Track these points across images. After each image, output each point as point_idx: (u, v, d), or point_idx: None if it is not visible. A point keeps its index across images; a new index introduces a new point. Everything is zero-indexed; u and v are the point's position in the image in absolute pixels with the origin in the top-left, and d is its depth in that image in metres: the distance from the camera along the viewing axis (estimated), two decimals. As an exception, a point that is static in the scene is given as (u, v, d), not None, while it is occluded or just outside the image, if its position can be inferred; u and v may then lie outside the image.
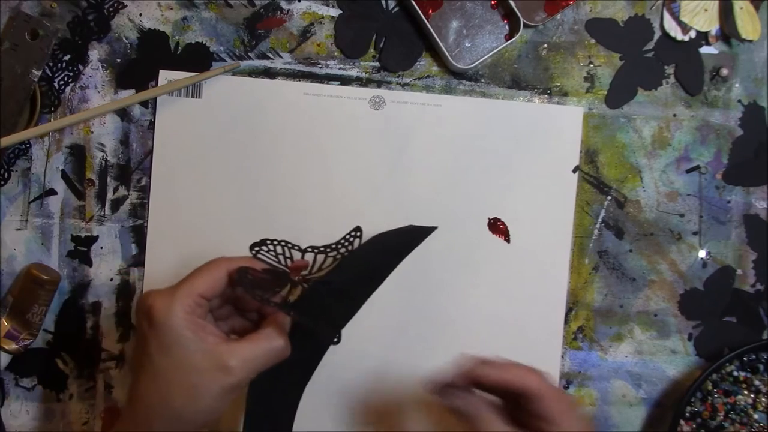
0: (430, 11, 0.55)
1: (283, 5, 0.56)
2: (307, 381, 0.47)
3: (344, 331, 0.56)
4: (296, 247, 0.43)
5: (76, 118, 0.53)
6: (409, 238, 0.48)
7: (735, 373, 0.56)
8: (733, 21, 0.56)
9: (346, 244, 0.44)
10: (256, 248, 0.42)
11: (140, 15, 0.55)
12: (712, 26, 0.57)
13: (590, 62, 0.58)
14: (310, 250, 0.43)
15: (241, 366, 0.39)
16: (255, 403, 0.43)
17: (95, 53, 0.55)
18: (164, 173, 0.56)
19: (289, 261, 0.43)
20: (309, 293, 0.43)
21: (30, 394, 0.56)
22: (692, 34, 0.57)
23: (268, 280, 0.42)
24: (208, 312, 0.41)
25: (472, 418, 0.41)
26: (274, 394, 0.45)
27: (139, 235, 0.56)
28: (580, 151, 0.57)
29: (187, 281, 0.40)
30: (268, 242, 0.42)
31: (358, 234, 0.45)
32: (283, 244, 0.43)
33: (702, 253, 0.59)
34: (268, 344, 0.40)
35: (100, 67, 0.55)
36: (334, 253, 0.44)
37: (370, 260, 0.45)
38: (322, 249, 0.44)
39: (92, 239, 0.56)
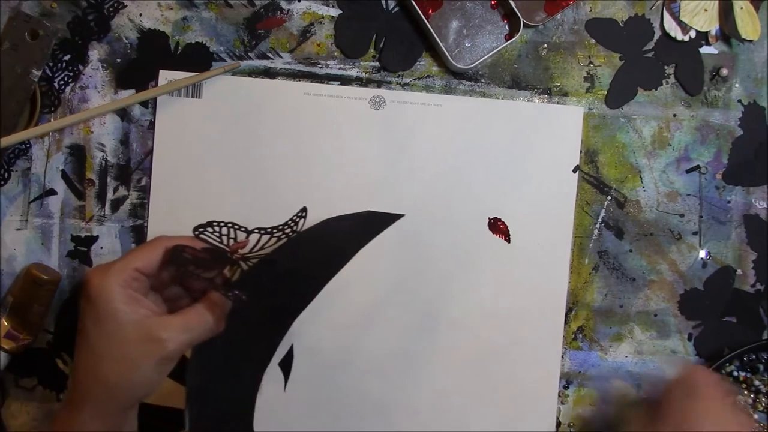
0: (430, 11, 0.55)
1: (283, 5, 0.56)
2: (263, 362, 0.47)
3: (342, 331, 0.56)
4: (242, 228, 0.43)
5: (76, 118, 0.53)
6: (369, 224, 0.48)
7: (735, 373, 0.56)
8: (733, 21, 0.56)
9: (292, 224, 0.45)
10: (200, 229, 0.42)
11: (140, 15, 0.55)
12: (712, 26, 0.57)
13: (590, 62, 0.58)
14: (255, 230, 0.44)
15: (172, 338, 0.40)
16: (201, 383, 0.44)
17: (95, 53, 0.55)
18: (164, 173, 0.56)
19: (232, 241, 0.43)
20: (250, 273, 0.43)
21: (30, 394, 0.56)
22: (692, 34, 0.57)
23: (205, 258, 0.42)
24: (147, 289, 0.42)
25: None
26: (223, 375, 0.45)
27: (139, 235, 0.56)
28: (580, 151, 0.57)
29: (124, 257, 0.41)
30: (214, 224, 0.42)
31: (303, 215, 0.45)
32: (229, 225, 0.43)
33: (702, 253, 0.59)
34: (200, 318, 0.41)
35: (100, 67, 0.55)
36: (279, 233, 0.44)
37: (322, 244, 0.46)
38: (267, 230, 0.44)
39: (92, 239, 0.56)
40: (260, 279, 0.43)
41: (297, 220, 0.45)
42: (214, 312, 0.42)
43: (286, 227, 0.44)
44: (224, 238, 0.43)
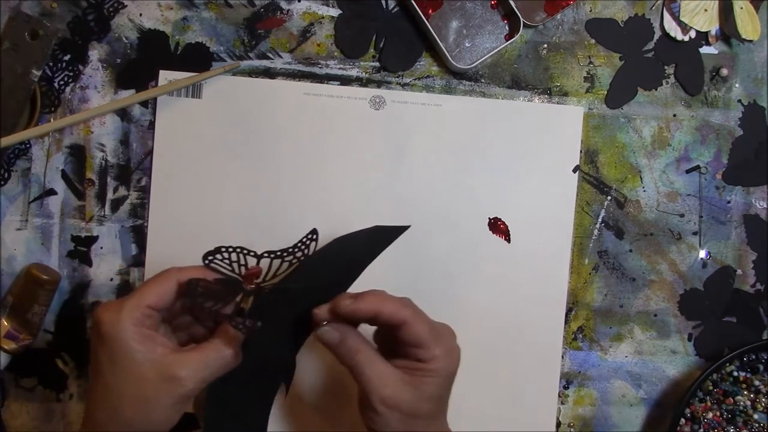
0: (430, 11, 0.55)
1: (283, 5, 0.56)
2: (276, 385, 0.47)
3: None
4: (252, 253, 0.42)
5: (76, 118, 0.53)
6: (376, 239, 0.47)
7: (735, 373, 0.56)
8: (733, 21, 0.56)
9: (303, 247, 0.44)
10: (210, 257, 0.41)
11: (140, 15, 0.55)
12: (712, 26, 0.57)
13: (590, 62, 0.58)
14: (266, 255, 0.42)
15: (190, 376, 0.39)
16: (216, 411, 0.43)
17: (95, 53, 0.55)
18: (164, 173, 0.56)
19: (243, 268, 0.42)
20: (263, 302, 0.42)
21: (30, 394, 0.56)
22: (692, 34, 0.58)
23: (219, 290, 0.41)
24: (159, 323, 0.41)
25: (352, 353, 0.41)
26: (237, 403, 0.44)
27: (139, 235, 0.56)
28: (580, 151, 0.57)
29: (136, 293, 0.40)
30: (223, 250, 0.41)
31: (314, 237, 0.44)
32: (238, 250, 0.42)
33: (702, 253, 0.59)
34: (217, 354, 0.40)
35: (100, 67, 0.55)
36: (291, 257, 0.43)
37: (333, 264, 0.45)
38: (278, 254, 0.43)
39: (92, 239, 0.56)
40: (274, 305, 0.42)
41: (308, 243, 0.44)
42: (231, 345, 0.41)
43: (296, 250, 0.43)
44: (234, 266, 0.42)
